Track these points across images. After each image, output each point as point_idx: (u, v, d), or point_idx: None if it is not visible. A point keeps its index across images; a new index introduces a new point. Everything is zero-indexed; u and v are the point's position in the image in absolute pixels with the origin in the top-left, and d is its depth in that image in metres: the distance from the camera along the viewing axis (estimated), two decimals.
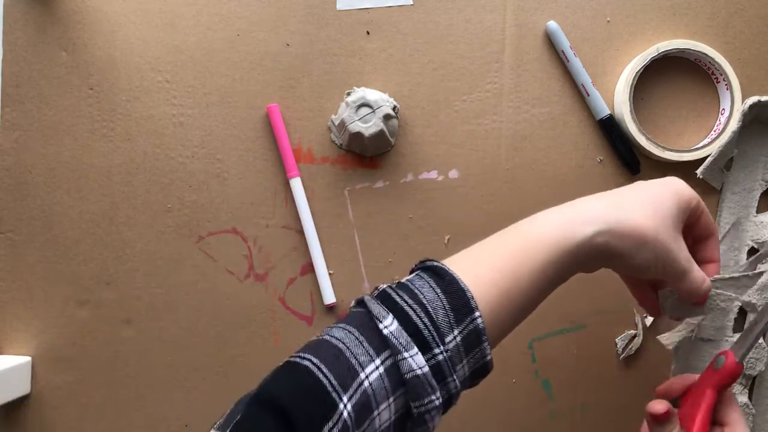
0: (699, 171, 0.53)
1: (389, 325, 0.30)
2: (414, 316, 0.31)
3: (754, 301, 0.54)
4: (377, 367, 0.30)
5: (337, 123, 0.54)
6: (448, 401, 0.32)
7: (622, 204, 0.37)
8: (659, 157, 0.53)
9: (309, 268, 0.56)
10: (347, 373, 0.29)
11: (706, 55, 0.53)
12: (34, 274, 0.56)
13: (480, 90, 0.56)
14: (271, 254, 0.56)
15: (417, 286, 0.32)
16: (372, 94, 0.53)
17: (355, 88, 0.55)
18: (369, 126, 0.52)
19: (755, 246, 0.55)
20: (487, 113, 0.56)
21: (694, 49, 0.53)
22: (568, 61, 0.55)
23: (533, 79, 0.56)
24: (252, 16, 0.56)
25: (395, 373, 0.30)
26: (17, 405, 0.56)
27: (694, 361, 0.56)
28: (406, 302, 0.31)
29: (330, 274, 0.56)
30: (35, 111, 0.56)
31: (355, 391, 0.29)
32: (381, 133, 0.53)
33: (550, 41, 0.56)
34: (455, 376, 0.31)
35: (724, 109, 0.55)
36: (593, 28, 0.56)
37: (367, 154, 0.56)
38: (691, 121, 0.56)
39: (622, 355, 0.56)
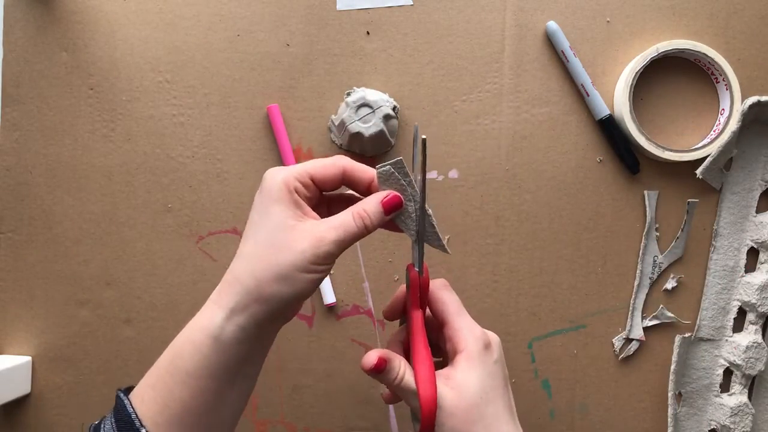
0: (699, 171, 0.53)
1: None
2: None
3: (753, 301, 0.54)
4: None
5: (337, 123, 0.54)
6: None
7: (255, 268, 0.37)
8: (659, 157, 0.53)
9: None
10: None
11: (706, 55, 0.53)
12: (34, 274, 0.56)
13: (480, 90, 0.56)
14: None
15: (104, 423, 0.36)
16: (372, 94, 0.53)
17: (355, 88, 0.55)
18: (369, 126, 0.52)
19: (755, 246, 0.55)
20: (487, 113, 0.56)
21: (693, 50, 0.53)
22: (567, 61, 0.55)
23: (533, 79, 0.56)
24: (252, 16, 0.56)
25: None
26: (17, 405, 0.56)
27: (694, 361, 0.56)
28: None
29: (330, 274, 0.56)
30: (35, 111, 0.56)
31: None
32: (381, 133, 0.53)
33: (549, 41, 0.56)
34: None
35: (723, 109, 0.55)
36: (593, 29, 0.56)
37: (367, 154, 0.56)
38: (690, 121, 0.56)
39: (621, 356, 0.56)
